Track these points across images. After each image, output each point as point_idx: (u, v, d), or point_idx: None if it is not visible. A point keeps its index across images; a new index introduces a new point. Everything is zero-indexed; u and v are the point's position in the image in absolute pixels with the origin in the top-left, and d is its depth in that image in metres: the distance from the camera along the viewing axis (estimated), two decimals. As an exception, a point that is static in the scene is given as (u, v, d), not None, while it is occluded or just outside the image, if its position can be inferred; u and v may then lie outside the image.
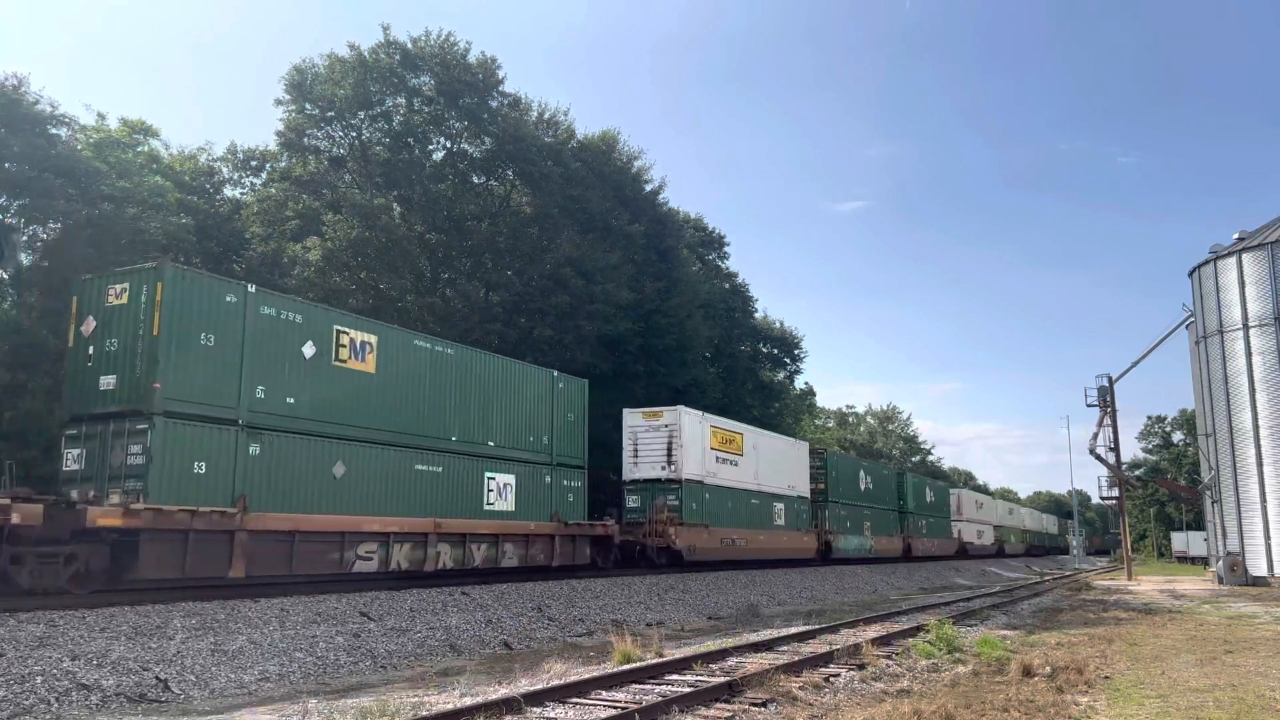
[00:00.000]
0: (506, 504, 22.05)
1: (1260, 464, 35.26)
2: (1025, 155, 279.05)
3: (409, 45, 36.28)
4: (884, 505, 48.20)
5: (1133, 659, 14.05)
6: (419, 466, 19.56)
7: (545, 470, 23.69)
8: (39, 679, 10.33)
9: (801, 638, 16.03)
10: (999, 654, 14.04)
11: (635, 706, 9.17)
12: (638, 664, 12.11)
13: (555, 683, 10.65)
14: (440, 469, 20.11)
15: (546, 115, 40.76)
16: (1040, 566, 73.90)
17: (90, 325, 15.80)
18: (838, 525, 41.24)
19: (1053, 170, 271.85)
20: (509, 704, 9.11)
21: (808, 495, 38.53)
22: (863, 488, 45.43)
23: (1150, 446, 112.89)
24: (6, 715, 9.50)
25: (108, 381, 15.29)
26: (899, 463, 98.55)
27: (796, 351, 59.45)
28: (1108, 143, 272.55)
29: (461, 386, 21.19)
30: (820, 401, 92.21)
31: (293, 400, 16.80)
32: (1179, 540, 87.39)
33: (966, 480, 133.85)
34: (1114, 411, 47.34)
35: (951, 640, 14.81)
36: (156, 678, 11.18)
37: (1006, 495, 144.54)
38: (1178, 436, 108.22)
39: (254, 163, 38.99)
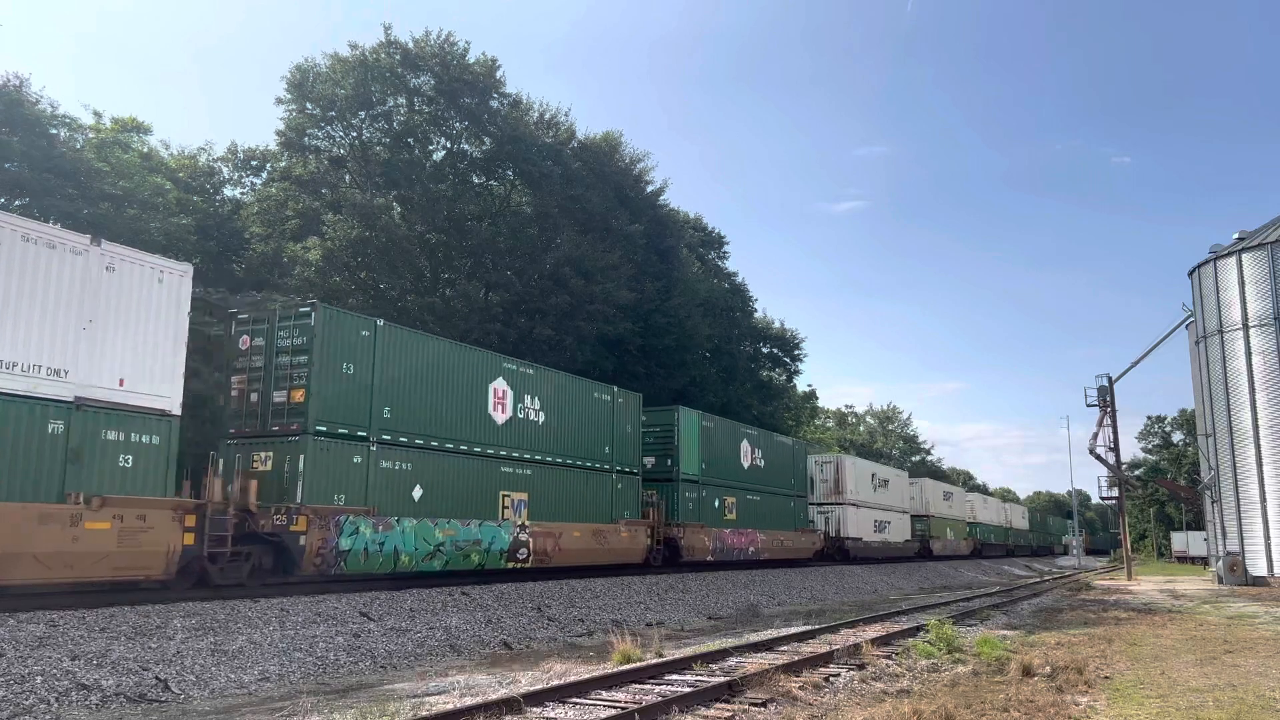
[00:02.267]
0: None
1: (1260, 464, 35.25)
2: (1024, 155, 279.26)
3: (410, 45, 36.29)
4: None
5: (1133, 659, 14.05)
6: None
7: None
8: (39, 679, 10.33)
9: (801, 638, 16.02)
10: (999, 654, 14.03)
11: (635, 706, 9.17)
12: (638, 664, 12.10)
13: (555, 683, 10.66)
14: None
15: (547, 115, 40.81)
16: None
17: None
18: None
19: (1052, 170, 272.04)
20: (509, 704, 9.11)
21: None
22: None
23: (1150, 446, 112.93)
24: (6, 715, 9.51)
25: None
26: (898, 462, 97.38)
27: (796, 351, 59.48)
28: (1108, 143, 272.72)
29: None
30: (820, 401, 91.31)
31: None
32: (1179, 540, 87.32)
33: (966, 480, 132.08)
34: (1114, 411, 47.35)
35: (951, 640, 14.81)
36: (156, 678, 11.18)
37: (979, 488, 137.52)
38: (1178, 436, 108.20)
39: (254, 163, 39.01)
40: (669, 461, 28.51)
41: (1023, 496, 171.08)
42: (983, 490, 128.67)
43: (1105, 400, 47.18)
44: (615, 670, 11.53)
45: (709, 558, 29.38)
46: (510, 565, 21.16)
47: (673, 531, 27.68)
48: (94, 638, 11.77)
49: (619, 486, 26.06)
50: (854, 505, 42.96)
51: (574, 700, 9.88)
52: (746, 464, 33.04)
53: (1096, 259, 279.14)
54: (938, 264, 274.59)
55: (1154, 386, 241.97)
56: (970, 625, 19.58)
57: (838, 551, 40.94)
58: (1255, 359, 35.80)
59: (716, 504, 30.76)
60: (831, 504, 42.23)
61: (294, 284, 31.97)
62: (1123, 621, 20.67)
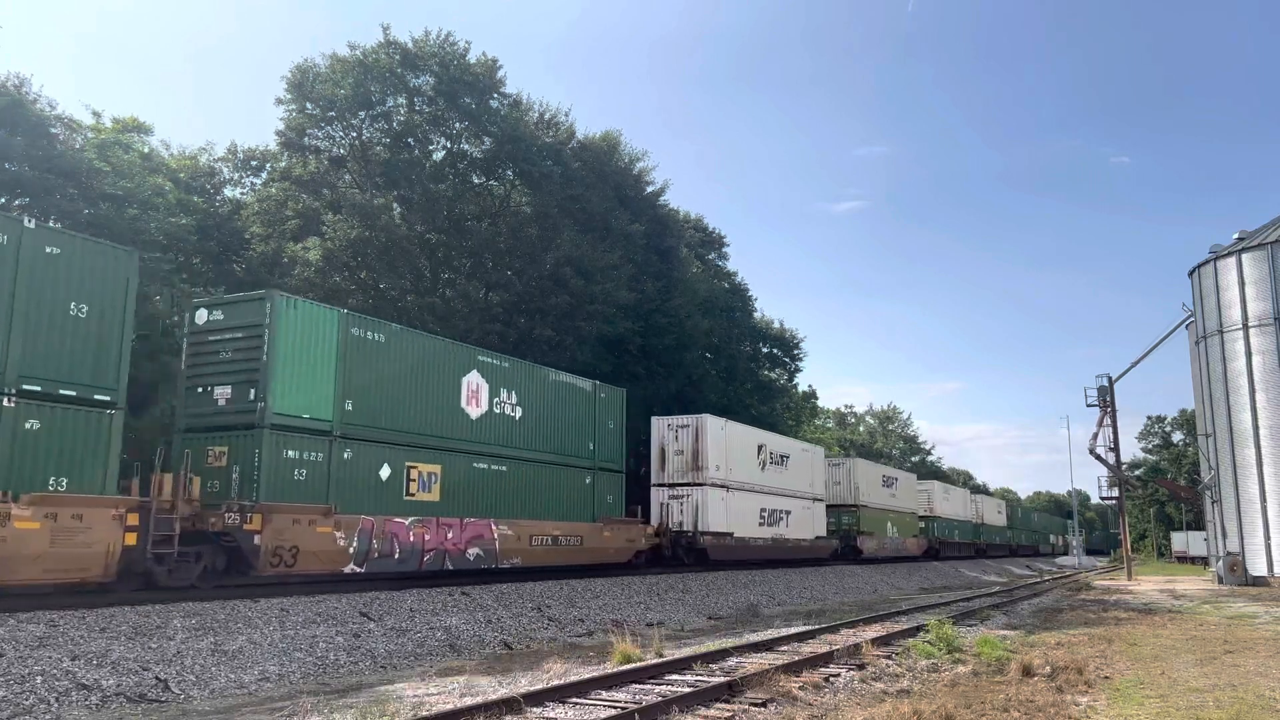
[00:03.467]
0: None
1: (1260, 464, 35.26)
2: (1024, 155, 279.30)
3: (409, 45, 36.30)
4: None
5: (1132, 659, 14.05)
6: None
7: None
8: (39, 679, 10.33)
9: (801, 638, 16.03)
10: (999, 654, 14.03)
11: (635, 706, 9.17)
12: (638, 664, 12.11)
13: (555, 683, 10.66)
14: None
15: (547, 115, 40.80)
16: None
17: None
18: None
19: (1052, 170, 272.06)
20: (509, 704, 9.11)
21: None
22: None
23: (1150, 446, 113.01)
24: (6, 715, 9.51)
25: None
26: (898, 462, 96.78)
27: (796, 351, 59.48)
28: (1107, 142, 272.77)
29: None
30: (820, 401, 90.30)
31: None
32: (1179, 540, 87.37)
33: (965, 480, 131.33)
34: (1114, 411, 47.36)
35: (951, 640, 14.81)
36: (156, 678, 11.18)
37: (979, 488, 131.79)
38: (1178, 436, 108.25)
39: (254, 163, 38.99)
40: (251, 394, 16.40)
41: (1023, 496, 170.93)
42: (983, 490, 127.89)
43: (1105, 400, 47.18)
44: (615, 670, 11.53)
45: (346, 568, 17.25)
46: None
47: (229, 518, 15.45)
48: (94, 638, 11.77)
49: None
50: (720, 487, 30.85)
51: (574, 700, 9.89)
52: (477, 412, 21.34)
53: (1096, 259, 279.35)
54: (937, 264, 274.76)
55: (1154, 386, 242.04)
56: (970, 625, 19.58)
57: (688, 552, 29.80)
58: (1255, 359, 35.81)
59: (385, 473, 18.63)
60: (687, 485, 30.40)
61: (294, 284, 31.94)
62: (1123, 621, 20.67)
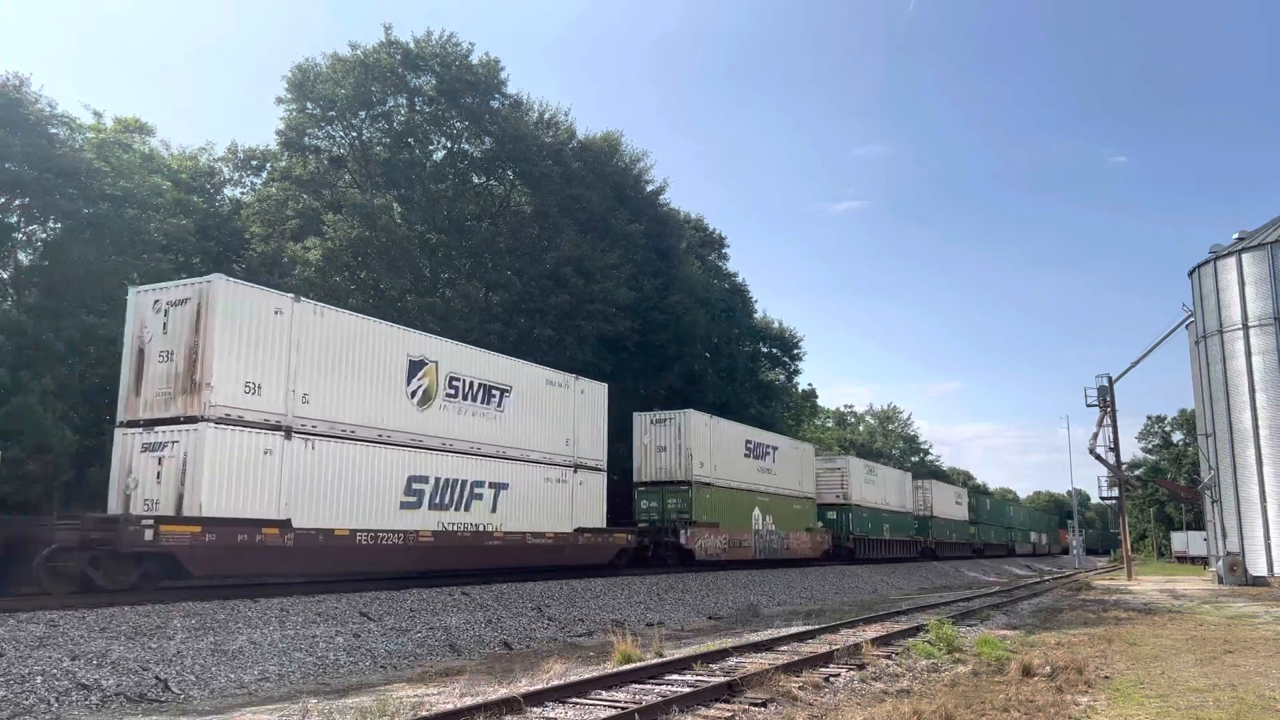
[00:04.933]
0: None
1: (1260, 464, 35.27)
2: (1023, 155, 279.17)
3: (410, 45, 36.32)
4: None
5: (1132, 659, 14.05)
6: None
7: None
8: (39, 679, 10.33)
9: (801, 637, 16.03)
10: (999, 654, 14.03)
11: (635, 706, 9.17)
12: (638, 664, 12.10)
13: (555, 683, 10.65)
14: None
15: (547, 115, 40.85)
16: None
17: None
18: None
19: (1052, 170, 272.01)
20: (509, 704, 9.11)
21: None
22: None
23: (1150, 446, 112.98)
24: (6, 715, 9.50)
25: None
26: (898, 462, 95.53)
27: (795, 351, 59.52)
28: (1105, 143, 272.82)
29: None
30: (820, 401, 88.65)
31: None
32: (1179, 540, 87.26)
33: (965, 480, 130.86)
34: (1114, 411, 47.37)
35: (951, 640, 14.81)
36: (156, 678, 11.18)
37: (979, 488, 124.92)
38: (1177, 436, 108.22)
39: (254, 162, 39.02)
40: None
41: (1023, 496, 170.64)
42: (982, 490, 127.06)
43: (1105, 400, 47.19)
44: (615, 670, 11.53)
45: None
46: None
47: None
48: (94, 638, 11.76)
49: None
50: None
51: (574, 700, 9.88)
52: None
53: (1096, 259, 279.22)
54: (937, 264, 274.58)
55: (1154, 386, 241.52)
56: (970, 625, 19.58)
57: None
58: (1255, 359, 35.82)
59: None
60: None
61: (294, 284, 31.95)
62: (1123, 621, 20.67)
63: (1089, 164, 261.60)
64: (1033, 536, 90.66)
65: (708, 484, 30.07)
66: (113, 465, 15.60)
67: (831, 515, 41.29)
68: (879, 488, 47.45)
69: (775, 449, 36.03)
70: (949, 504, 61.41)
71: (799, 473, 37.80)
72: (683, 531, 28.20)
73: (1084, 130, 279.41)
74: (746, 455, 33.40)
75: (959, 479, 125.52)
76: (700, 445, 29.95)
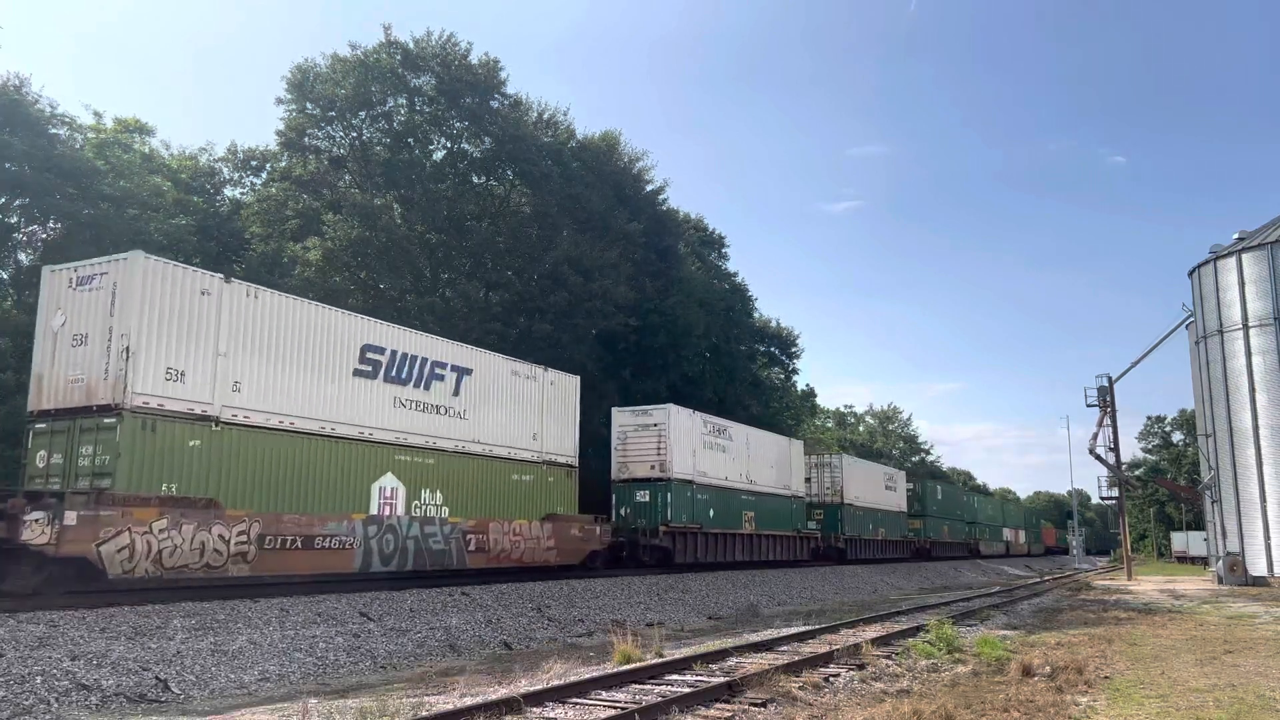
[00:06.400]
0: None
1: (1260, 464, 35.25)
2: (1022, 155, 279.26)
3: (410, 46, 36.33)
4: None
5: (1133, 659, 14.04)
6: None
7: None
8: (39, 679, 10.32)
9: (801, 638, 16.02)
10: (999, 654, 14.03)
11: (635, 706, 9.17)
12: (638, 664, 12.10)
13: (555, 683, 10.65)
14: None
15: (546, 115, 40.85)
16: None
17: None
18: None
19: (1052, 170, 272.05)
20: (509, 704, 9.10)
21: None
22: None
23: (1150, 446, 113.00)
24: (6, 715, 9.50)
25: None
26: (898, 462, 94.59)
27: (793, 349, 59.55)
28: (1104, 143, 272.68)
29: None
30: (819, 401, 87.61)
31: None
32: (1179, 540, 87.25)
33: (965, 480, 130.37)
34: (1114, 411, 47.35)
35: (951, 640, 14.81)
36: (156, 678, 11.18)
37: (977, 488, 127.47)
38: (1178, 436, 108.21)
39: (254, 163, 39.05)
40: None
41: (1023, 496, 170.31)
42: (981, 489, 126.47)
43: (1105, 400, 47.18)
44: (615, 670, 11.52)
45: None
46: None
47: None
48: (94, 638, 11.76)
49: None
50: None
51: (574, 700, 9.88)
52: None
53: (1096, 259, 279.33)
54: (937, 264, 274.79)
55: (1154, 386, 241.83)
56: (970, 625, 19.57)
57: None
58: (1255, 359, 35.80)
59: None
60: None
61: (294, 284, 31.98)
62: (1123, 621, 20.66)
63: (1088, 164, 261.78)
64: (1006, 534, 77.24)
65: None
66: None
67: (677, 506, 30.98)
68: (758, 465, 34.18)
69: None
70: (873, 489, 46.95)
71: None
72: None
73: (1083, 130, 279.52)
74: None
75: (959, 479, 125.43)
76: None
